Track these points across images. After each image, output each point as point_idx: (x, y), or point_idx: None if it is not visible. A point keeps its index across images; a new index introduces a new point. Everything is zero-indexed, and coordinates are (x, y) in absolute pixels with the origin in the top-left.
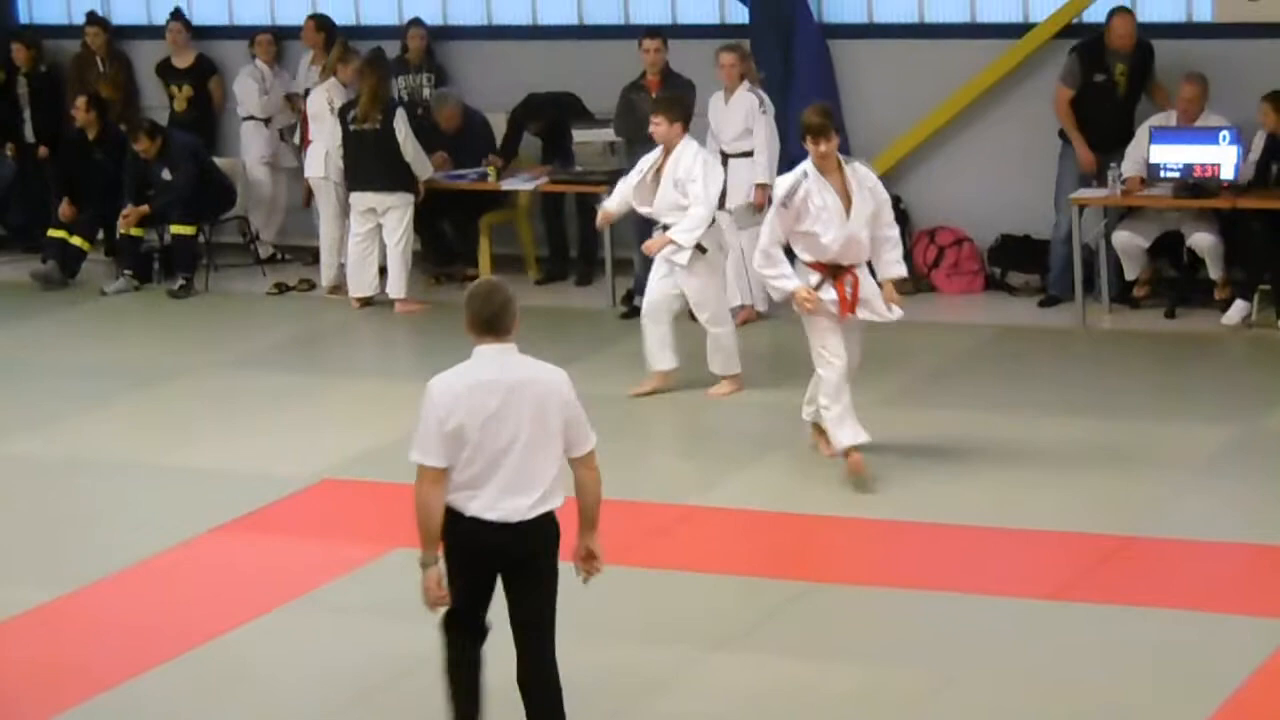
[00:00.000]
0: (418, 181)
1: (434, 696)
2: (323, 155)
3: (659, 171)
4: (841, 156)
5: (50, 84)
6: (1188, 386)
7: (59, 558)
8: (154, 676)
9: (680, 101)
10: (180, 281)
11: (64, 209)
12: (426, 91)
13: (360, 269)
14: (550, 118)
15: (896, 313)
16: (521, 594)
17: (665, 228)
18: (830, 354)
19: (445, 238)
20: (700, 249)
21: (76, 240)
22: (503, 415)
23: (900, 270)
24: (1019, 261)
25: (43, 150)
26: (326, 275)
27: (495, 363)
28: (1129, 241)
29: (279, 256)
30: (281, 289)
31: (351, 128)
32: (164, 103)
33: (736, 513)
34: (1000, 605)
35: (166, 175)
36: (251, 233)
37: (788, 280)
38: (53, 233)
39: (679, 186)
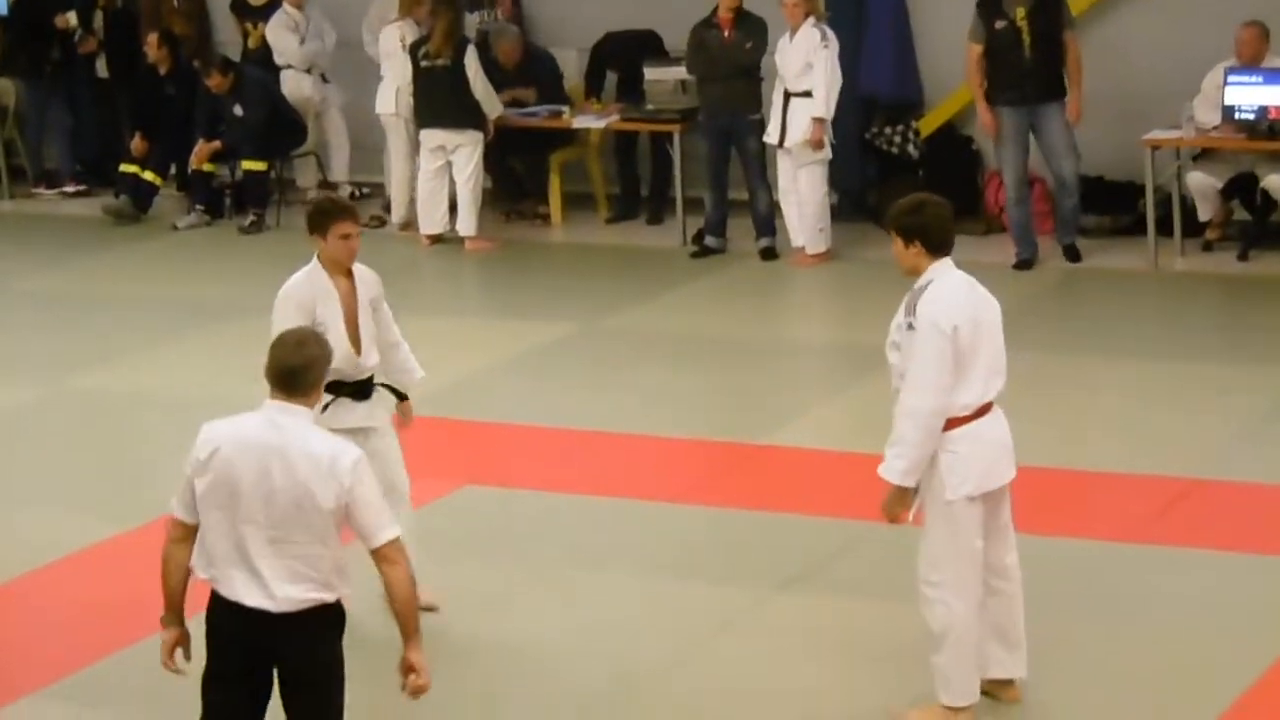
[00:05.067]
0: (487, 120)
1: (504, 632)
2: (393, 92)
3: None
4: None
5: (125, 19)
6: (1259, 329)
7: (124, 493)
8: None
9: None
10: (251, 217)
11: (136, 144)
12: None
13: (430, 206)
14: (630, 55)
15: None
16: (289, 704)
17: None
18: None
19: (515, 175)
20: None
21: (149, 175)
22: (256, 485)
23: None
24: (1091, 203)
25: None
26: (397, 212)
27: (270, 425)
28: (1203, 183)
29: (356, 194)
30: None
31: (423, 64)
32: (237, 40)
33: (804, 452)
34: (1065, 547)
35: (238, 111)
36: (324, 172)
37: None
38: (125, 167)
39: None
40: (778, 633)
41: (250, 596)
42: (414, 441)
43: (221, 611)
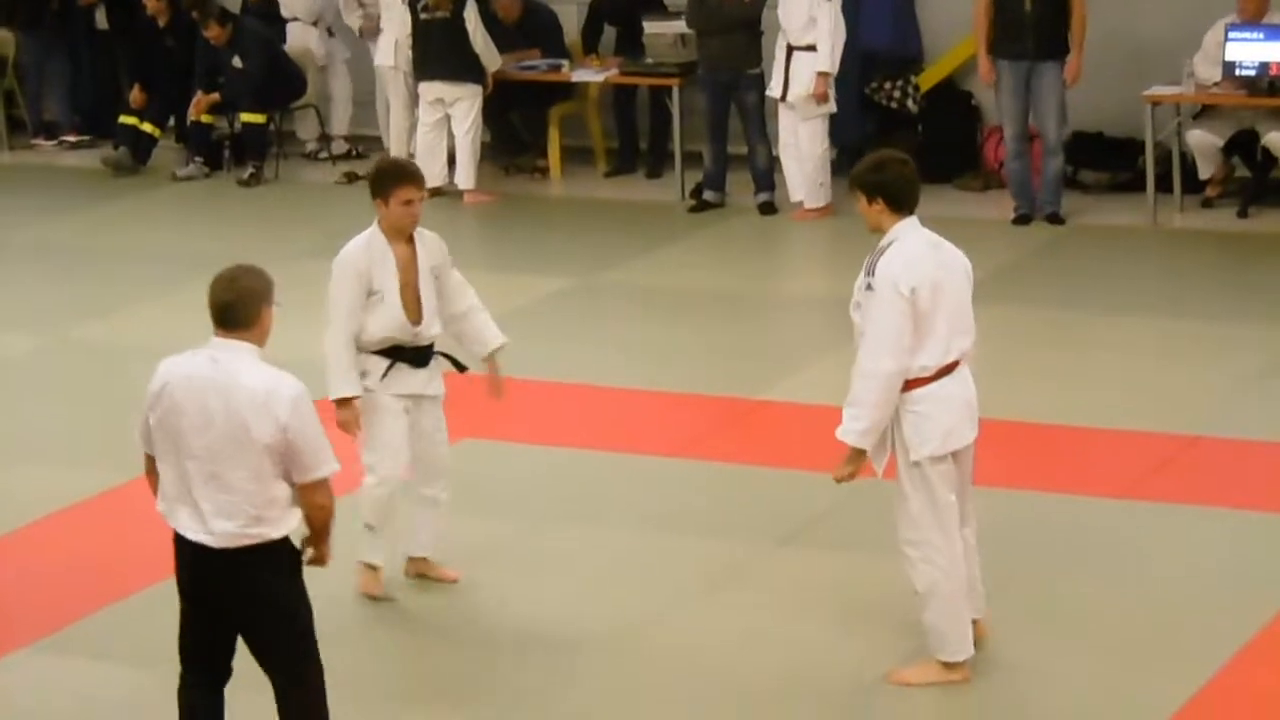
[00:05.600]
0: (486, 73)
1: (501, 583)
2: (392, 44)
3: None
4: None
5: None
6: (1259, 286)
7: (126, 443)
8: None
9: None
10: (250, 170)
11: (135, 95)
12: None
13: (429, 159)
14: (629, 9)
15: None
16: (247, 639)
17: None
18: None
19: (514, 129)
20: None
21: (147, 126)
22: (195, 420)
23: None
24: (1091, 159)
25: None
26: None
27: (210, 360)
28: (1203, 140)
29: (354, 152)
30: (351, 178)
31: (422, 17)
32: None
33: (800, 407)
34: (1064, 503)
35: (238, 63)
36: (323, 126)
37: None
38: (124, 119)
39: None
40: (774, 587)
41: (191, 530)
42: None
43: (176, 545)
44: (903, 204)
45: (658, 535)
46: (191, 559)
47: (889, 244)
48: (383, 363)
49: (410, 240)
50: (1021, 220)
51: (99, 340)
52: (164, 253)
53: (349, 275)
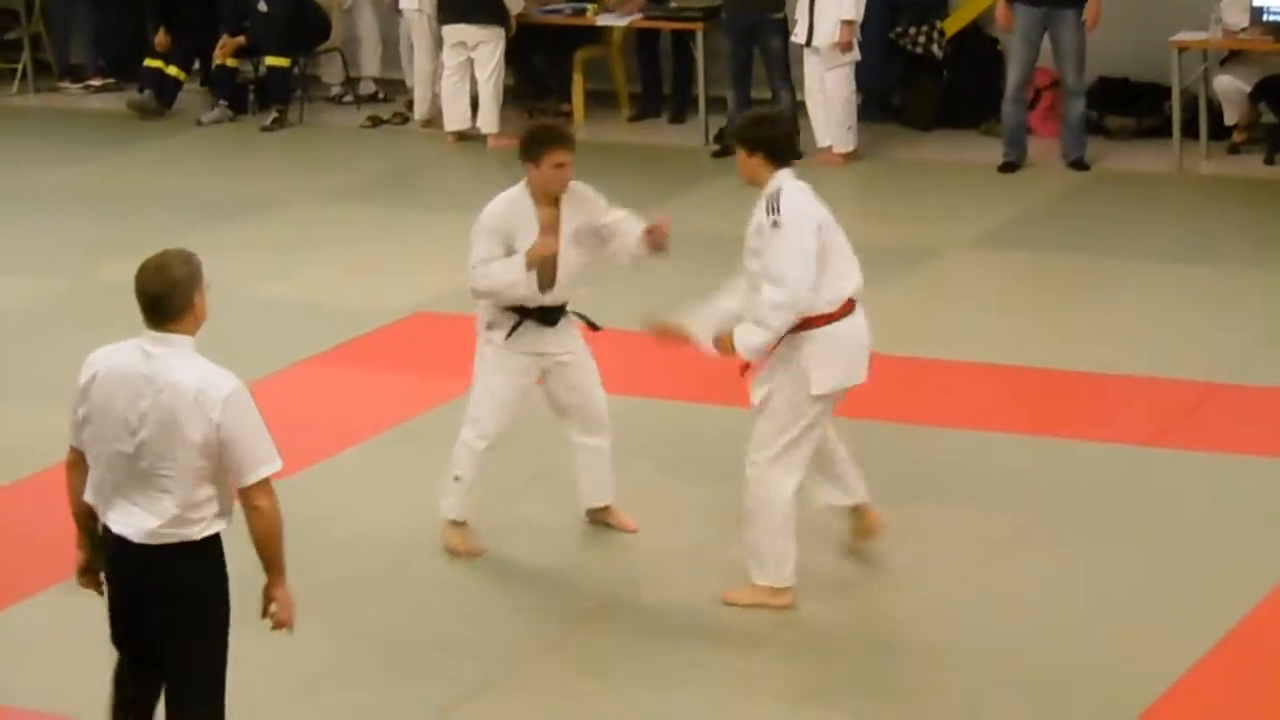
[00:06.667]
0: (509, 15)
1: (532, 515)
2: None
3: None
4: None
5: None
6: None
7: None
8: None
9: None
10: (274, 114)
11: (160, 39)
12: None
13: (454, 103)
14: None
15: None
16: (163, 639)
17: None
18: None
19: (538, 73)
20: None
21: (172, 70)
22: (126, 415)
23: None
24: (1117, 104)
25: None
26: (420, 109)
27: (141, 353)
28: (1230, 86)
29: (380, 96)
30: (375, 122)
31: None
32: None
33: None
34: (1090, 450)
35: (263, 7)
36: (348, 69)
37: None
38: (149, 62)
39: None
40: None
41: (117, 523)
42: (432, 342)
43: (104, 536)
44: (782, 157)
45: (675, 478)
46: (115, 551)
47: (779, 188)
48: (510, 319)
49: (556, 203)
50: (1007, 168)
51: (125, 283)
52: (189, 196)
53: (488, 230)
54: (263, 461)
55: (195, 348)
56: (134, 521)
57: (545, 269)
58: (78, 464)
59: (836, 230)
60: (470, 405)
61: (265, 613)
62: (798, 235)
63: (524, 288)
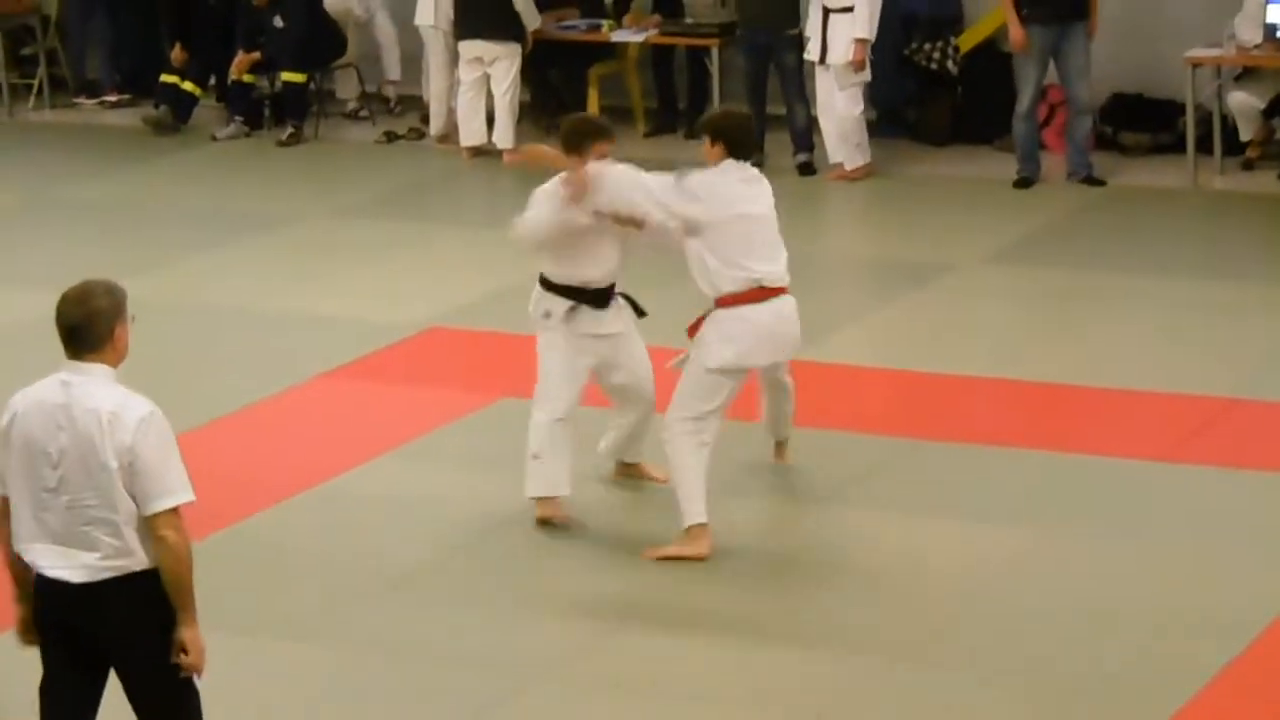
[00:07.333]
0: (526, 31)
1: (534, 546)
2: (432, 3)
3: None
4: None
5: None
6: None
7: (169, 401)
8: (262, 519)
9: None
10: (290, 129)
11: (176, 54)
12: None
13: (470, 118)
14: None
15: None
16: (123, 683)
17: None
18: None
19: (554, 88)
20: None
21: (188, 86)
22: (47, 448)
23: None
24: (1131, 120)
25: None
26: (435, 124)
27: (60, 385)
28: (1244, 102)
29: (395, 109)
30: (391, 138)
31: None
32: None
33: (839, 368)
34: (1104, 465)
35: (279, 23)
36: (363, 84)
37: None
38: (165, 78)
39: None
40: (811, 546)
41: (51, 567)
42: (451, 354)
43: (36, 584)
44: (740, 149)
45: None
46: (50, 596)
47: (714, 168)
48: (564, 303)
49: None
50: (1022, 183)
51: (139, 299)
52: (204, 212)
53: (545, 199)
54: (171, 491)
55: (118, 378)
56: (67, 559)
57: (584, 256)
58: (8, 513)
59: (762, 223)
60: (537, 388)
61: (174, 657)
62: (684, 179)
63: (574, 277)
